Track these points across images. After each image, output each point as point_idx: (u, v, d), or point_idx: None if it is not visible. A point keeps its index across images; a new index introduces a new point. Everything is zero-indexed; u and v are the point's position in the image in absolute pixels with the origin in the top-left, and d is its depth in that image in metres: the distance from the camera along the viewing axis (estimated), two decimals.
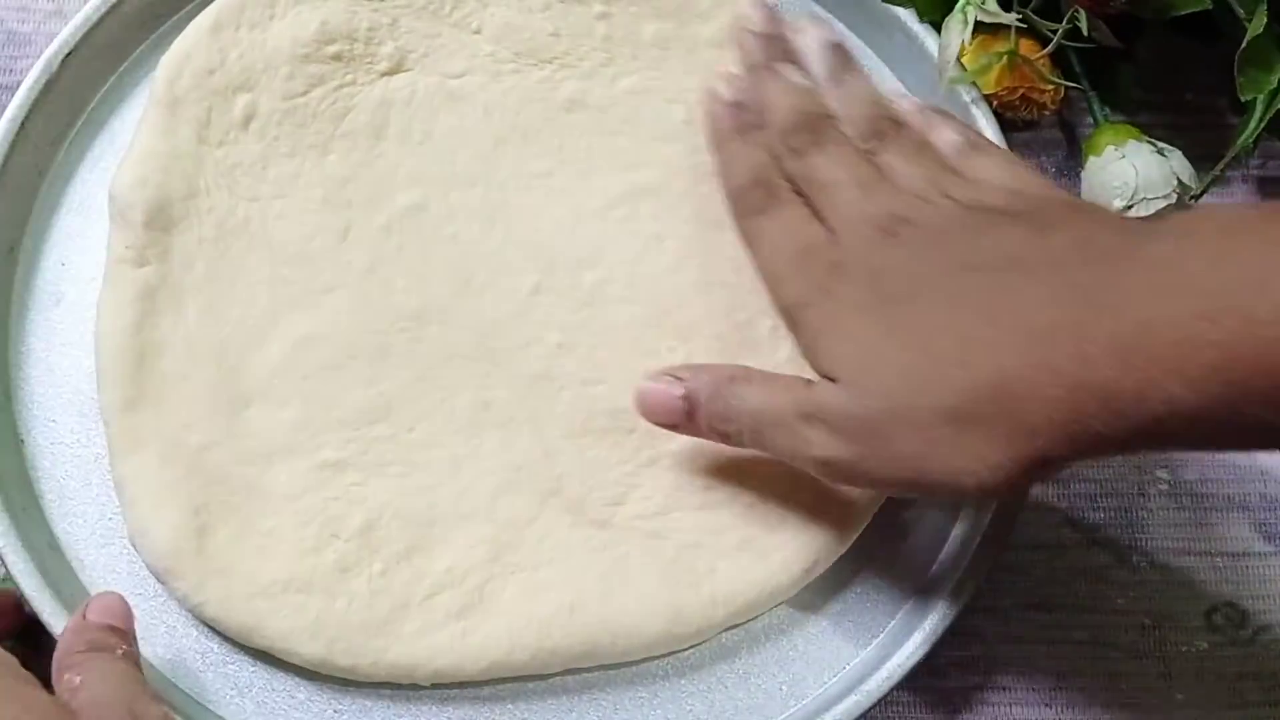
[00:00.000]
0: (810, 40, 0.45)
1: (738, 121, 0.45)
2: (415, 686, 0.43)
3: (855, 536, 0.45)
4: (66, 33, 0.47)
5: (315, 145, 0.47)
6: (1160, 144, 0.48)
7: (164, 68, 0.46)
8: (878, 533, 0.45)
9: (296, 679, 0.43)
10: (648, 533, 0.44)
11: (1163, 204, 0.48)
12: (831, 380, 0.38)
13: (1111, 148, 0.48)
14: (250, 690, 0.43)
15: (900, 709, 0.45)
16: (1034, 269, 0.36)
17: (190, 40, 0.47)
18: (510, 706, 0.43)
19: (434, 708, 0.43)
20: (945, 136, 0.43)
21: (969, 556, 0.44)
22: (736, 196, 0.45)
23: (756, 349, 0.45)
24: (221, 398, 0.44)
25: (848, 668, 0.44)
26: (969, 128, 0.45)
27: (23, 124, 0.46)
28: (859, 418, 0.37)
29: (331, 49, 0.47)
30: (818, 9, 0.51)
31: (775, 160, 0.44)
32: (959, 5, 0.48)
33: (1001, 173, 0.41)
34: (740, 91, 0.45)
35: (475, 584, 0.43)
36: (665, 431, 0.44)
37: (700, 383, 0.41)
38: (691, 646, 0.44)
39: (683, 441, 0.44)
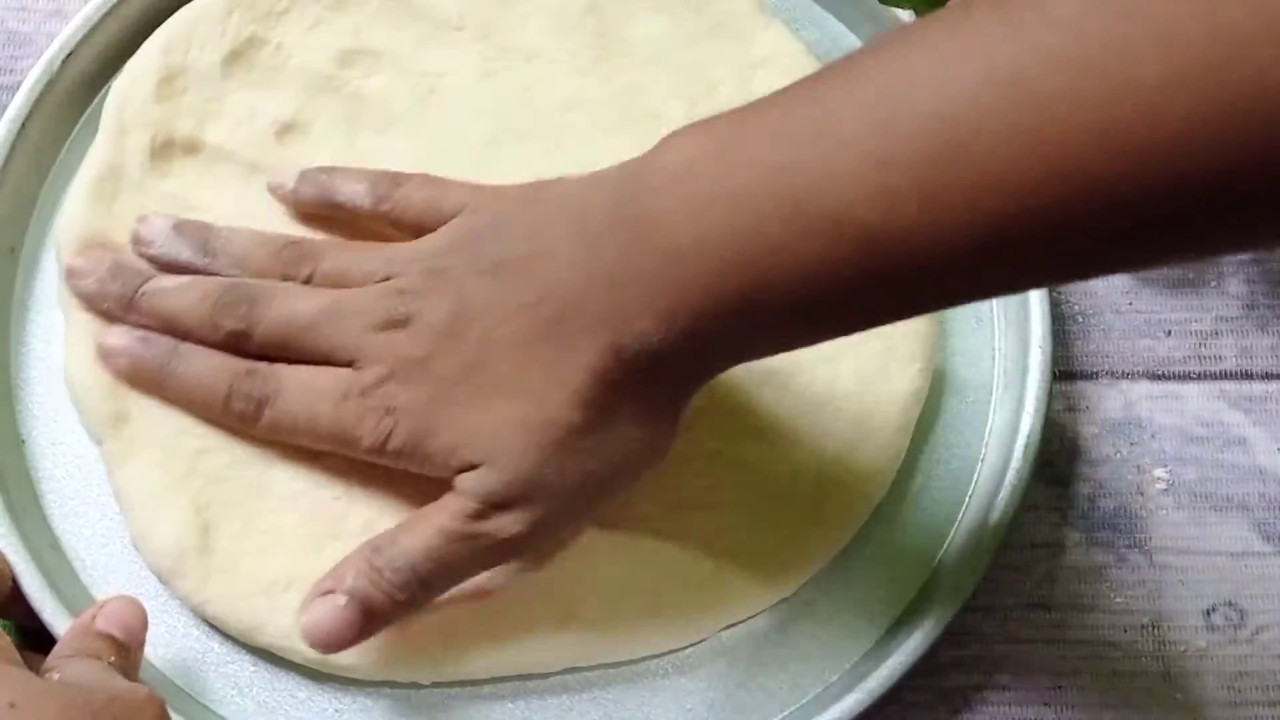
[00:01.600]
0: (153, 232, 0.43)
1: (157, 352, 0.42)
2: (416, 685, 0.43)
3: (854, 532, 0.45)
4: (66, 33, 0.47)
5: (287, 161, 0.46)
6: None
7: (114, 93, 0.46)
8: (877, 531, 0.45)
9: (298, 678, 0.43)
10: (649, 532, 0.44)
11: None
12: (469, 470, 0.38)
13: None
14: (251, 690, 0.43)
15: (900, 708, 0.45)
16: (547, 282, 0.37)
17: (140, 64, 0.46)
18: (510, 705, 0.43)
19: (435, 706, 0.43)
20: (348, 191, 0.43)
21: (969, 556, 0.44)
22: (226, 412, 0.41)
23: None
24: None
25: (847, 667, 0.44)
26: (367, 171, 0.44)
27: (23, 125, 0.46)
28: (519, 480, 0.37)
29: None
30: (818, 10, 0.51)
31: (228, 352, 0.41)
32: None
33: (427, 193, 0.42)
34: (128, 332, 0.42)
35: (476, 583, 0.43)
36: None
37: (352, 577, 0.38)
38: (692, 645, 0.44)
39: (682, 442, 0.44)
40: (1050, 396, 0.46)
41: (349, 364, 0.39)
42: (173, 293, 0.42)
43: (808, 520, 0.44)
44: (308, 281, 0.41)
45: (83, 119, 0.48)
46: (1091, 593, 0.47)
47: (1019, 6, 0.30)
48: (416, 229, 0.41)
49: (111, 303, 0.43)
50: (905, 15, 0.50)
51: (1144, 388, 0.49)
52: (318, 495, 0.43)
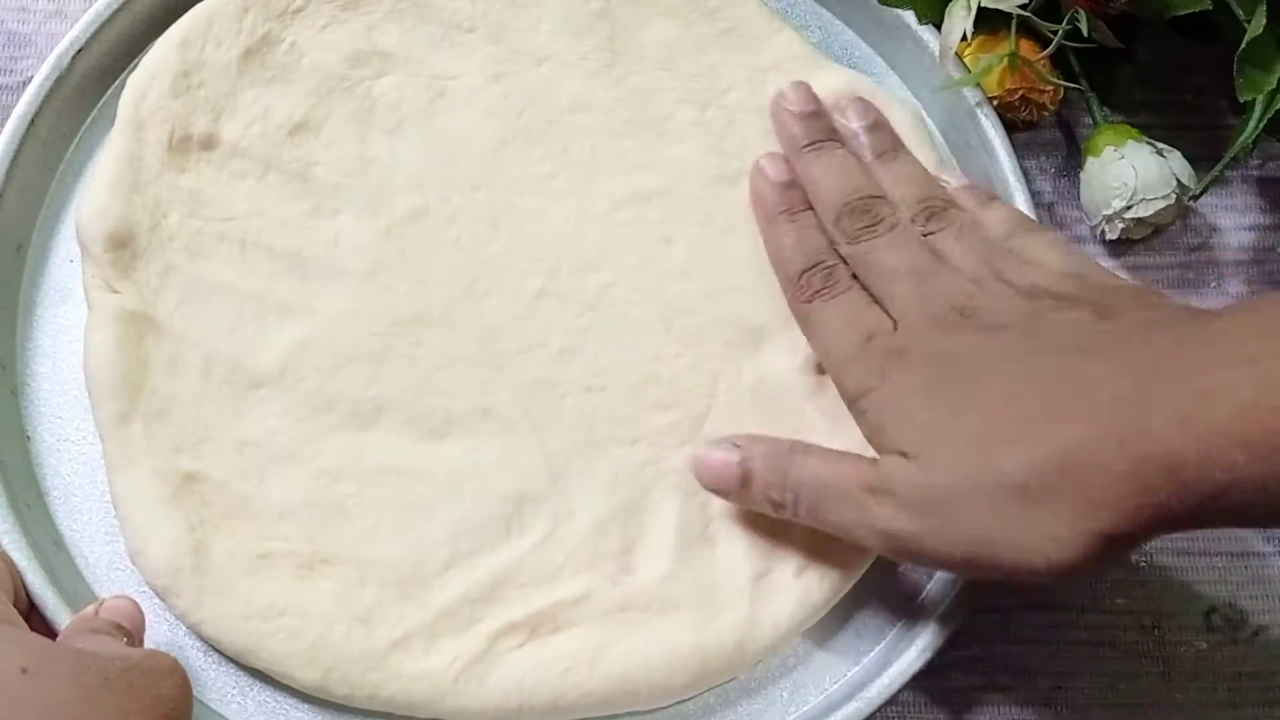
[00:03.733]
0: (854, 121, 0.46)
1: (786, 202, 0.45)
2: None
3: (873, 557, 0.44)
4: (77, 30, 0.47)
5: (298, 159, 0.46)
6: (1159, 144, 0.49)
7: (131, 87, 0.46)
8: None
9: None
10: (664, 576, 0.43)
11: (1161, 204, 0.48)
12: (900, 456, 0.38)
13: (1111, 148, 0.49)
14: (252, 690, 0.43)
15: (900, 709, 0.45)
16: (1096, 350, 0.37)
17: (157, 59, 0.47)
18: None
19: None
20: (996, 216, 0.44)
21: None
22: (791, 280, 0.45)
23: (770, 354, 0.45)
24: (210, 412, 0.44)
25: (849, 674, 0.44)
26: (1016, 209, 0.45)
27: (32, 121, 0.46)
28: (926, 491, 0.37)
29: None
30: (827, 14, 0.52)
31: (829, 243, 0.44)
32: None
33: (1055, 255, 0.42)
34: (785, 171, 0.46)
35: (486, 629, 0.42)
36: (669, 444, 0.44)
37: (758, 450, 0.41)
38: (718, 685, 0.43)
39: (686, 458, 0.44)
40: None
41: (890, 317, 0.42)
42: (831, 169, 0.45)
43: (822, 550, 0.43)
44: (923, 235, 0.44)
45: (91, 116, 0.48)
46: (1092, 593, 0.47)
47: None
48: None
49: (787, 138, 0.47)
50: (912, 19, 0.50)
51: None
52: (311, 512, 0.43)
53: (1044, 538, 0.35)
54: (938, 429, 0.38)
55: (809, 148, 0.46)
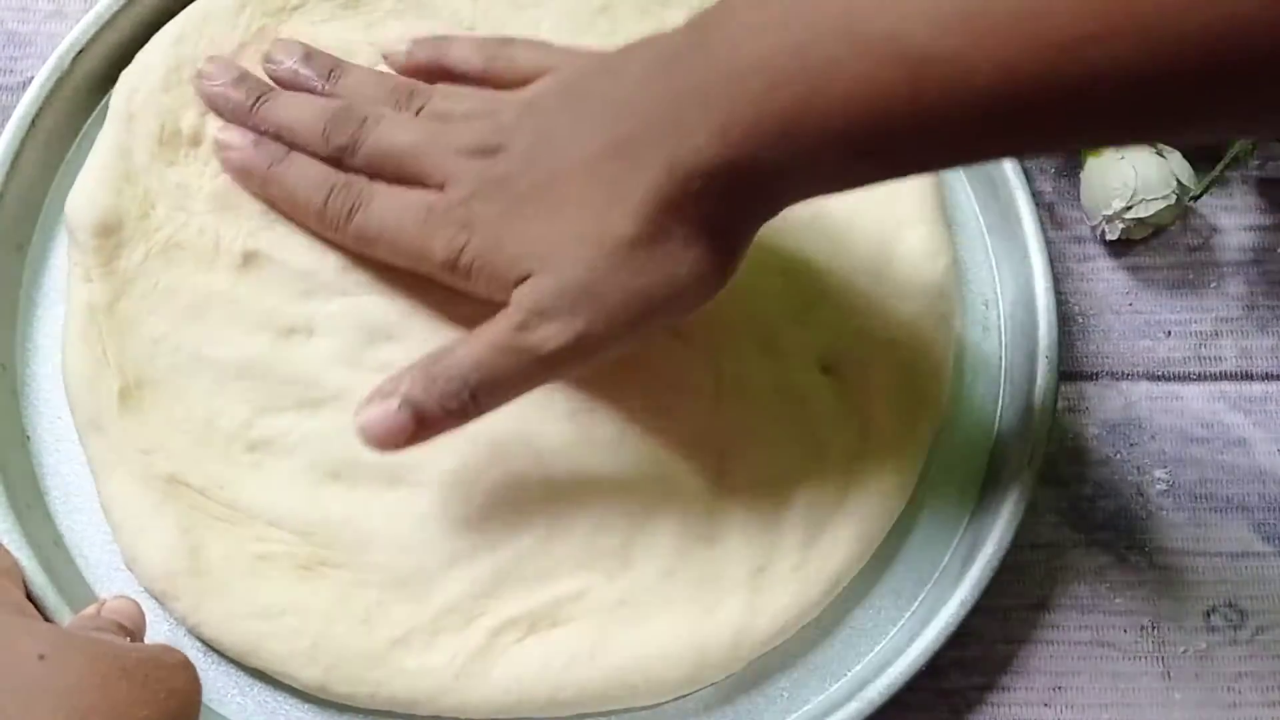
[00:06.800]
0: (288, 60, 0.46)
1: (266, 158, 0.44)
2: (413, 716, 0.42)
3: (872, 551, 0.45)
4: (78, 31, 0.47)
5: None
6: (1160, 145, 0.49)
7: (124, 80, 0.46)
8: (882, 540, 0.45)
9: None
10: (663, 572, 0.43)
11: (1162, 204, 0.48)
12: (525, 282, 0.39)
13: (1111, 149, 0.49)
14: (251, 690, 0.43)
15: (900, 709, 0.45)
16: (621, 103, 0.38)
17: (152, 53, 0.47)
18: None
19: None
20: (459, 54, 0.45)
21: (971, 568, 0.44)
22: (320, 218, 0.44)
23: (777, 353, 0.45)
24: (180, 419, 0.43)
25: (849, 674, 0.44)
26: (476, 37, 0.46)
27: (33, 121, 0.46)
28: (568, 290, 0.38)
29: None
30: None
31: (332, 167, 0.44)
32: None
33: (535, 53, 0.44)
34: (246, 135, 0.45)
35: (486, 625, 0.42)
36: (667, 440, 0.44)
37: (407, 384, 0.39)
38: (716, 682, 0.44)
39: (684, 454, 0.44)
40: (1055, 407, 0.46)
41: (440, 188, 0.41)
42: (291, 105, 0.45)
43: (826, 542, 0.44)
44: (416, 115, 0.43)
45: (91, 117, 0.48)
46: (1091, 593, 0.47)
47: None
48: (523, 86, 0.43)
49: (232, 107, 0.45)
50: None
51: (1144, 388, 0.49)
52: (302, 516, 0.43)
53: (676, 264, 0.38)
54: (544, 236, 0.39)
55: (258, 103, 0.45)
